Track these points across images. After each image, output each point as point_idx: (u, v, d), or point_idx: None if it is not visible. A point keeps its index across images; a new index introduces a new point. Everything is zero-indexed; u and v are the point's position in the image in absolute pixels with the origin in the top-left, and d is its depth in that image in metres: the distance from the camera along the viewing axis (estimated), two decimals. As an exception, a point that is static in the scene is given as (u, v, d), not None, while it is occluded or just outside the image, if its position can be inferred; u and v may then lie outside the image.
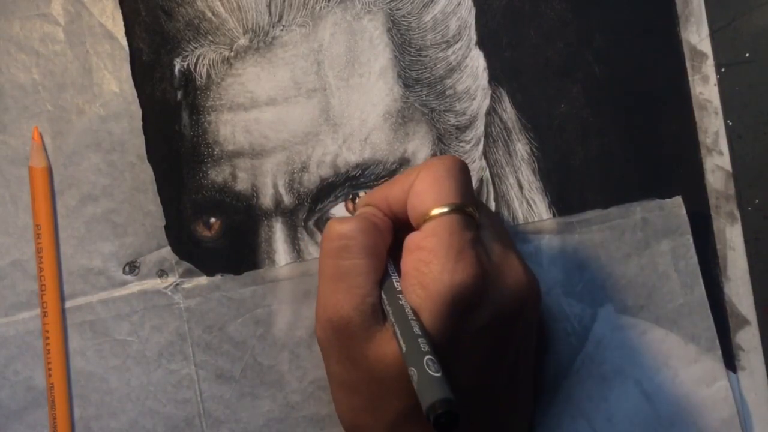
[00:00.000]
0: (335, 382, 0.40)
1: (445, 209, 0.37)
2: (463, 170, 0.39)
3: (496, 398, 0.39)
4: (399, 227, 0.40)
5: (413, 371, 0.34)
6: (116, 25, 0.46)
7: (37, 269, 0.45)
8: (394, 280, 0.38)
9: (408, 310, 0.36)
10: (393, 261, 0.40)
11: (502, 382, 0.39)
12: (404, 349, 0.35)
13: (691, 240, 0.44)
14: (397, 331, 0.36)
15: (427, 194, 0.38)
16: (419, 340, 0.35)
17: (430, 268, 0.36)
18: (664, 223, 0.45)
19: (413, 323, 0.35)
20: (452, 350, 0.36)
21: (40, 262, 0.45)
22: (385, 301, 0.38)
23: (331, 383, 0.41)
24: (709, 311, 0.44)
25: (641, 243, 0.45)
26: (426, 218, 0.37)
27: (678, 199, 0.45)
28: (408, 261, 0.37)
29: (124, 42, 0.45)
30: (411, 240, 0.38)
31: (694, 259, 0.45)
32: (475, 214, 0.38)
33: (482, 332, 0.37)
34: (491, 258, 0.38)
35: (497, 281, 0.37)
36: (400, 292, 0.37)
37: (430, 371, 0.33)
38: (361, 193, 0.45)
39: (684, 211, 0.45)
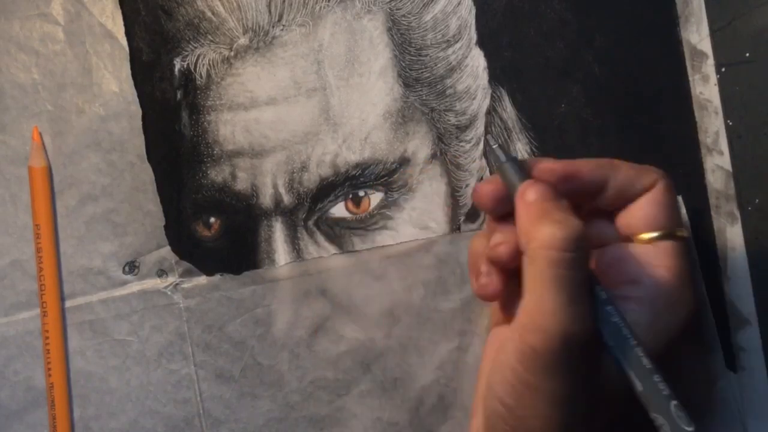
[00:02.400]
0: (547, 399, 0.36)
1: (685, 233, 0.40)
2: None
3: None
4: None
5: (661, 421, 0.34)
6: (116, 25, 0.46)
7: (37, 269, 0.45)
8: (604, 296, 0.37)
9: (627, 332, 0.36)
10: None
11: None
12: (640, 387, 0.35)
13: (691, 240, 0.44)
14: (624, 361, 0.36)
15: (669, 210, 0.39)
16: (655, 377, 0.35)
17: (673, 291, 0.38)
18: (664, 223, 0.45)
19: (638, 350, 0.36)
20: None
21: (40, 262, 0.45)
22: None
23: (537, 400, 0.36)
24: (709, 311, 0.44)
25: (641, 243, 0.45)
26: (661, 235, 0.39)
27: (678, 199, 0.45)
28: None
29: (124, 42, 0.45)
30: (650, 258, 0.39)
31: (695, 260, 0.44)
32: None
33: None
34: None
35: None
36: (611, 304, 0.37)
37: (681, 424, 0.34)
38: (361, 193, 0.45)
39: (684, 211, 0.45)
